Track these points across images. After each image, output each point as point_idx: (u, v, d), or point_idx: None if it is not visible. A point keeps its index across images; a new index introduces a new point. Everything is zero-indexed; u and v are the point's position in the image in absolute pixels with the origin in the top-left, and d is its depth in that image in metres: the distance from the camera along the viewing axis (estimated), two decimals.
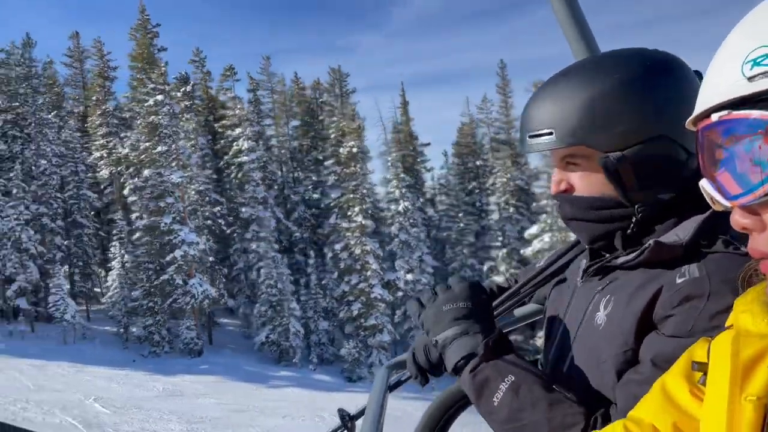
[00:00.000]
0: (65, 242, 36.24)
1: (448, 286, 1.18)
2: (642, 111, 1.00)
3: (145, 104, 31.59)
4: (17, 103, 36.72)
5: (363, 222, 30.35)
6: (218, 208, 35.66)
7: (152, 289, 31.12)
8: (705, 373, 0.70)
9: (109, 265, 34.93)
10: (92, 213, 38.86)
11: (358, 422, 1.44)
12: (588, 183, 1.06)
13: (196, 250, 30.84)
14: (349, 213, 30.95)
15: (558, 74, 1.09)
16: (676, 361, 0.79)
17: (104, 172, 41.83)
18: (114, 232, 36.30)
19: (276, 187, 40.00)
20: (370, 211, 31.82)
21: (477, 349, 1.06)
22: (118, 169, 41.70)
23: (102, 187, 41.67)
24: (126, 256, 34.35)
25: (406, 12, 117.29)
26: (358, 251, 30.15)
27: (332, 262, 32.25)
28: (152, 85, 31.64)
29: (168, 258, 30.27)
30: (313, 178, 39.83)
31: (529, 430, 0.97)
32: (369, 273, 29.86)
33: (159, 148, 30.91)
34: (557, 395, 0.99)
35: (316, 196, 38.04)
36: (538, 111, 1.06)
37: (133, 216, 35.59)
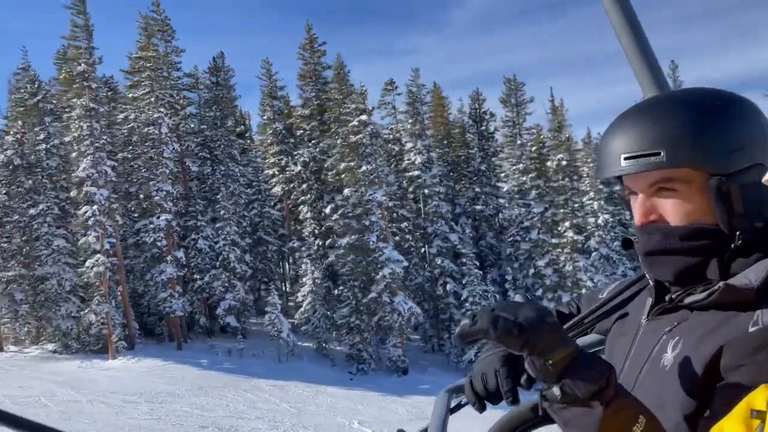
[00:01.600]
0: (251, 260, 37.43)
1: (522, 303, 0.96)
2: (751, 134, 0.99)
3: (349, 125, 31.93)
4: (205, 126, 38.22)
5: (573, 237, 29.64)
6: (405, 224, 35.77)
7: (360, 307, 31.49)
8: (763, 421, 0.69)
9: (302, 281, 35.68)
10: (274, 230, 39.96)
11: None
12: (683, 211, 1.00)
13: (401, 267, 30.97)
14: (558, 228, 30.32)
15: (655, 101, 1.07)
16: None
17: (276, 189, 43.03)
18: (303, 248, 37.09)
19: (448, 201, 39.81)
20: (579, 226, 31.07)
21: (605, 378, 0.86)
22: (290, 186, 42.90)
23: (272, 203, 42.81)
24: (316, 272, 35.09)
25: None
26: (569, 268, 29.46)
27: (534, 278, 31.70)
28: (353, 105, 32.01)
29: (378, 276, 30.51)
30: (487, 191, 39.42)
31: None
32: (583, 290, 29.11)
33: (364, 168, 31.22)
34: None
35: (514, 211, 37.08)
36: (642, 131, 1.00)
37: (317, 234, 36.31)
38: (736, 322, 0.93)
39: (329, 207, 33.91)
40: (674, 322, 1.04)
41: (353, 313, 31.65)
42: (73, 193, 30.73)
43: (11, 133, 31.19)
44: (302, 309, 34.77)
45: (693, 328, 0.99)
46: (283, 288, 42.03)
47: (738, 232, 0.99)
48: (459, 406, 1.46)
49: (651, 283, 1.13)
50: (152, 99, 32.18)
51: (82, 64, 28.96)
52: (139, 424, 19.66)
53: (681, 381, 0.96)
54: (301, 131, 42.22)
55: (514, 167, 38.68)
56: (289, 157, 42.49)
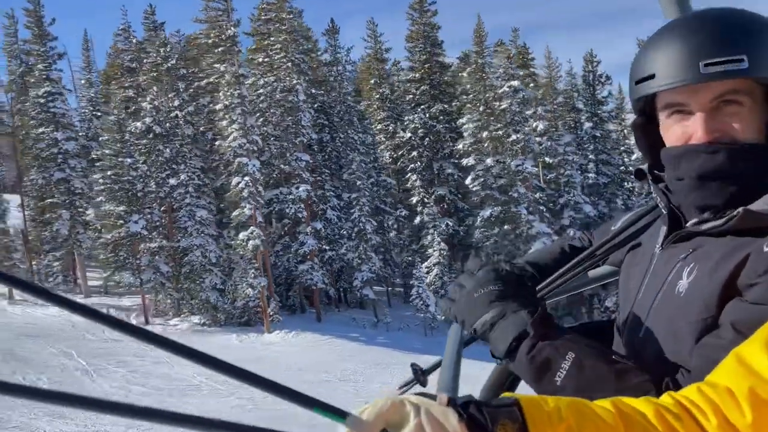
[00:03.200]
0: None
1: (472, 273, 1.12)
2: None
3: (499, 90, 30.63)
4: (321, 91, 36.93)
5: None
6: (539, 194, 34.83)
7: None
8: None
9: (428, 252, 35.02)
10: (391, 200, 39.10)
11: (430, 377, 1.46)
12: (752, 127, 0.96)
13: (550, 241, 30.20)
14: None
15: (718, 10, 0.99)
16: (757, 328, 0.78)
17: (385, 157, 41.93)
18: (425, 219, 36.29)
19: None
20: None
21: (526, 328, 0.99)
22: (398, 153, 41.78)
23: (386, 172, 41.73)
24: (442, 244, 34.41)
25: None
26: None
27: None
28: (501, 70, 30.69)
29: (531, 250, 29.76)
30: None
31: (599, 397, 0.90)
32: None
33: (513, 137, 30.12)
34: (622, 365, 0.96)
35: None
36: (723, 35, 0.94)
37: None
38: (752, 244, 0.92)
39: (469, 177, 32.85)
40: (689, 249, 1.02)
41: None
42: (214, 164, 29.80)
43: (147, 99, 30.06)
44: (428, 281, 34.23)
45: (709, 254, 0.97)
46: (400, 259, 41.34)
47: None
48: (473, 339, 1.37)
49: (664, 212, 1.09)
50: (288, 64, 30.85)
51: (231, 28, 27.58)
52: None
53: (696, 305, 0.95)
54: (411, 95, 40.90)
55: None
56: (397, 123, 41.32)
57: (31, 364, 21.07)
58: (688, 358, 0.94)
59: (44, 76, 32.88)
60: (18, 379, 20.35)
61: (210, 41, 29.81)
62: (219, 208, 31.82)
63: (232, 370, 0.61)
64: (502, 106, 30.49)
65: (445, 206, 39.17)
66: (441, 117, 39.81)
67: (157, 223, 29.90)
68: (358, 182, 32.61)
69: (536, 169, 30.03)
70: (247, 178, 27.70)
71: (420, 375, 1.47)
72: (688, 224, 1.05)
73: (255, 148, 28.10)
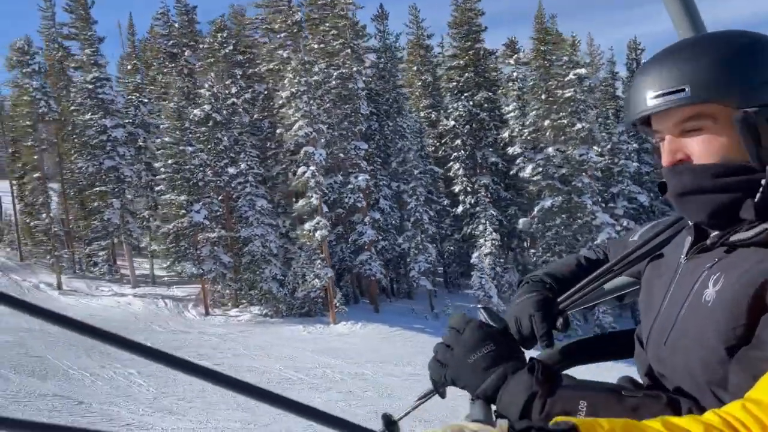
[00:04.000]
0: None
1: (458, 331, 1.12)
2: None
3: (565, 78, 30.23)
4: (370, 78, 36.30)
5: None
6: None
7: None
8: None
9: (478, 243, 34.77)
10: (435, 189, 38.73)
11: (450, 388, 1.39)
12: (710, 149, 1.00)
13: (614, 232, 30.06)
14: None
15: (684, 43, 1.06)
16: None
17: (428, 145, 41.44)
18: (477, 209, 35.99)
19: None
20: None
21: (533, 389, 1.00)
22: (441, 141, 41.34)
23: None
24: (494, 234, 34.18)
25: None
26: None
27: None
28: (565, 58, 30.28)
29: (596, 240, 29.59)
30: None
31: None
32: None
33: (578, 126, 29.80)
34: (633, 401, 0.96)
35: None
36: (666, 70, 1.01)
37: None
38: None
39: (529, 167, 32.52)
40: (715, 258, 1.03)
41: None
42: (273, 152, 29.25)
43: (206, 86, 29.37)
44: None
45: (736, 264, 0.97)
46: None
47: None
48: None
49: (690, 224, 1.12)
50: (348, 50, 30.23)
51: (297, 13, 26.90)
52: None
53: (724, 314, 0.94)
54: (454, 83, 40.39)
55: None
56: (440, 111, 40.84)
57: (118, 359, 20.61)
58: (718, 367, 0.94)
59: (92, 62, 32.04)
60: (110, 374, 19.95)
61: (275, 25, 29.07)
62: (272, 197, 31.32)
63: (254, 391, 0.58)
64: (567, 95, 30.10)
65: (489, 196, 38.89)
66: (485, 105, 39.39)
67: (218, 213, 29.36)
68: (416, 171, 32.19)
69: (601, 158, 29.76)
70: (313, 168, 27.22)
71: (440, 386, 1.43)
72: (712, 235, 1.06)
73: (321, 138, 27.57)
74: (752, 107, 0.97)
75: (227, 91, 29.94)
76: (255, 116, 30.79)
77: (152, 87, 35.62)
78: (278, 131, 29.31)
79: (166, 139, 28.61)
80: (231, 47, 30.00)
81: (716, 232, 1.05)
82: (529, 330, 1.24)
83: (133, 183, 32.98)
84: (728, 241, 1.01)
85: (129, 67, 34.86)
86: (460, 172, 39.31)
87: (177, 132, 28.33)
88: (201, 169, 28.70)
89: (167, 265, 30.20)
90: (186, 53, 37.39)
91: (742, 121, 0.97)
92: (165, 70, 37.59)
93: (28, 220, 35.81)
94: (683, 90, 0.99)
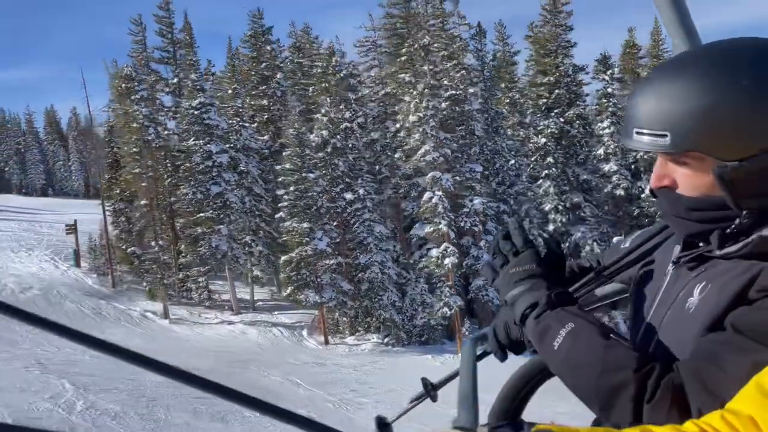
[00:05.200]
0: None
1: (516, 250, 1.22)
2: (765, 122, 0.95)
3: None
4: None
5: None
6: None
7: None
8: None
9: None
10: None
11: (440, 391, 1.52)
12: (694, 184, 1.03)
13: None
14: None
15: (674, 67, 1.02)
16: (759, 331, 0.86)
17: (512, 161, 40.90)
18: (581, 231, 35.35)
19: None
20: None
21: (540, 300, 1.12)
22: (530, 160, 40.76)
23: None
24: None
25: None
26: None
27: None
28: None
29: None
30: None
31: (584, 369, 1.01)
32: None
33: None
34: (613, 341, 1.02)
35: None
36: (653, 107, 1.00)
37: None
38: (765, 263, 0.94)
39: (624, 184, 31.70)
40: (702, 269, 1.05)
41: None
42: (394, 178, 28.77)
43: (322, 112, 28.99)
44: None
45: (721, 273, 1.00)
46: None
47: (745, 211, 0.98)
48: (485, 354, 1.43)
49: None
50: (463, 72, 29.72)
51: (426, 37, 26.45)
52: None
53: (704, 321, 0.97)
54: (544, 99, 39.82)
55: None
56: (529, 129, 40.26)
57: (273, 394, 20.05)
58: None
59: (198, 86, 31.77)
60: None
61: (391, 50, 28.64)
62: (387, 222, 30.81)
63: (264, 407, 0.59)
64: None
65: (580, 214, 38.25)
66: (576, 122, 38.80)
67: (337, 240, 28.89)
68: (529, 193, 31.61)
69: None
70: (440, 193, 26.69)
71: (431, 390, 1.50)
72: (701, 245, 1.07)
73: (445, 165, 27.07)
74: (733, 161, 0.96)
75: (340, 116, 29.54)
76: (366, 140, 30.35)
77: (252, 111, 35.34)
78: (396, 155, 28.81)
79: (287, 165, 28.19)
80: (345, 71, 29.58)
81: (703, 244, 1.07)
82: (517, 335, 1.28)
83: (236, 208, 32.60)
84: (716, 255, 1.03)
85: (229, 91, 34.54)
86: (551, 190, 38.75)
87: (297, 159, 27.92)
88: (321, 195, 28.26)
89: (287, 293, 29.71)
90: (278, 76, 37.14)
91: (719, 176, 0.97)
92: (253, 92, 37.38)
93: (124, 246, 35.52)
94: (665, 136, 0.99)
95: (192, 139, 32.12)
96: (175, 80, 35.53)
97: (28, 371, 19.81)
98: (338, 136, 29.11)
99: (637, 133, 1.02)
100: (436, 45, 30.51)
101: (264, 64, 36.88)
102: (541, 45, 39.51)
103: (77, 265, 40.00)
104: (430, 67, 26.64)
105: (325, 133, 28.43)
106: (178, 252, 33.70)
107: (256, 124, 36.63)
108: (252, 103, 37.05)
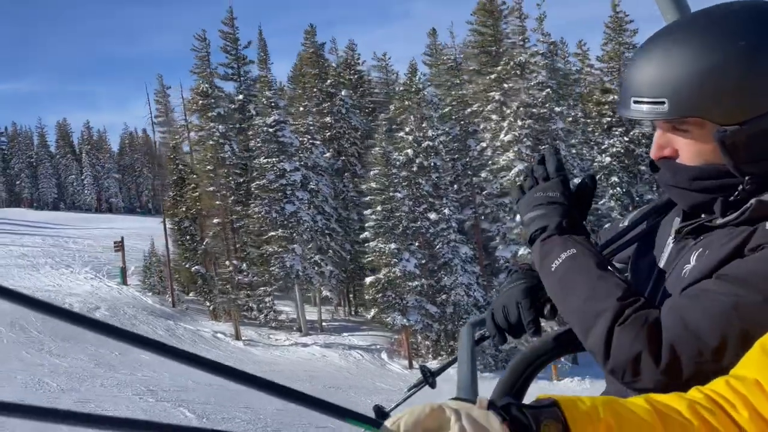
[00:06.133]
0: None
1: (548, 176, 1.20)
2: (764, 83, 0.95)
3: None
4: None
5: None
6: None
7: None
8: None
9: None
10: None
11: (438, 378, 1.53)
12: (695, 152, 1.02)
13: None
14: None
15: (670, 33, 1.02)
16: (743, 277, 0.87)
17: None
18: None
19: None
20: None
21: (551, 224, 1.12)
22: (597, 177, 40.22)
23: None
24: None
25: None
26: None
27: None
28: None
29: None
30: None
31: (574, 292, 1.03)
32: None
33: None
34: (608, 273, 1.04)
35: None
36: (650, 75, 0.99)
37: None
38: (759, 225, 0.95)
39: None
40: (700, 237, 1.05)
41: None
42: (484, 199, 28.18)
43: (406, 130, 28.50)
44: None
45: (717, 239, 1.00)
46: None
47: (747, 177, 0.98)
48: (483, 338, 1.44)
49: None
50: (548, 91, 29.18)
51: (522, 54, 25.94)
52: None
53: (695, 276, 0.98)
54: (608, 118, 39.41)
55: None
56: (594, 148, 39.84)
57: None
58: None
59: (272, 103, 31.27)
60: None
61: (477, 68, 28.21)
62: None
63: (254, 381, 0.60)
64: None
65: None
66: (642, 140, 38.39)
67: (423, 261, 28.25)
68: (613, 213, 31.06)
69: None
70: None
71: (429, 376, 1.50)
72: (701, 217, 1.06)
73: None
74: (733, 124, 0.95)
75: (422, 134, 29.03)
76: (447, 159, 29.84)
77: (318, 126, 34.82)
78: (483, 175, 28.26)
79: (373, 185, 27.61)
80: (429, 89, 29.11)
81: (705, 215, 1.06)
82: (516, 317, 1.26)
83: (308, 227, 31.98)
84: (715, 224, 1.03)
85: (301, 108, 34.06)
86: (616, 209, 38.24)
87: (384, 178, 27.36)
88: (407, 215, 27.67)
89: (372, 315, 29.00)
90: (342, 93, 36.71)
91: (720, 140, 0.96)
92: (314, 109, 36.89)
93: (188, 265, 34.82)
94: (663, 102, 0.98)
95: (263, 156, 31.57)
96: (240, 97, 35.03)
97: (142, 399, 19.05)
98: (422, 155, 28.57)
99: (635, 102, 1.01)
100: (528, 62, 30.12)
101: (329, 81, 36.42)
102: (605, 62, 39.25)
103: (124, 282, 39.27)
104: (524, 84, 26.16)
105: (410, 152, 27.90)
106: (240, 271, 33.00)
107: (318, 142, 36.13)
108: (317, 120, 36.58)
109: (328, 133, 36.62)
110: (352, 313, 37.55)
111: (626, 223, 1.37)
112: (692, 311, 0.91)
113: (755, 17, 0.96)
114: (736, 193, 1.00)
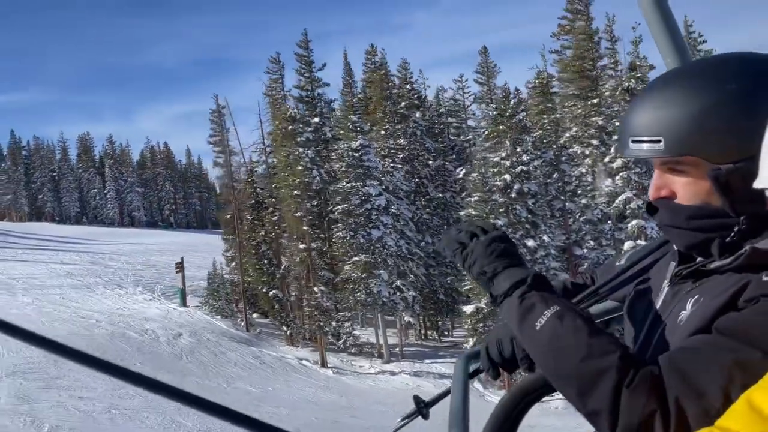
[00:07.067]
0: None
1: (484, 230, 1.19)
2: (759, 124, 0.95)
3: None
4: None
5: None
6: None
7: None
8: None
9: None
10: None
11: (432, 409, 1.52)
12: (692, 192, 1.04)
13: None
14: None
15: (666, 78, 1.06)
16: (743, 332, 0.86)
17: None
18: None
19: None
20: None
21: (527, 278, 1.09)
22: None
23: None
24: None
25: None
26: None
27: None
28: None
29: None
30: None
31: (567, 352, 0.99)
32: None
33: None
34: (598, 328, 1.02)
35: None
36: (646, 115, 1.02)
37: None
38: (753, 275, 0.95)
39: None
40: (696, 283, 1.05)
41: None
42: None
43: (503, 155, 28.10)
44: None
45: (713, 287, 1.00)
46: None
47: (742, 217, 0.99)
48: (477, 372, 1.43)
49: (675, 248, 1.14)
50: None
51: (631, 80, 25.54)
52: None
53: (692, 326, 0.98)
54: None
55: None
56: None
57: None
58: None
59: (358, 128, 30.97)
60: None
61: (574, 91, 27.87)
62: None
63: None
64: None
65: None
66: None
67: None
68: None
69: None
70: (641, 242, 25.59)
71: (422, 407, 1.47)
72: (697, 261, 1.07)
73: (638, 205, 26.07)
74: (728, 163, 0.97)
75: (515, 158, 28.61)
76: (540, 184, 29.41)
77: (393, 151, 34.52)
78: (583, 201, 27.83)
79: (471, 211, 27.21)
80: (522, 114, 28.76)
81: (700, 259, 1.07)
82: (510, 352, 1.26)
83: (392, 252, 31.56)
84: (709, 269, 1.02)
85: (383, 132, 33.77)
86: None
87: (484, 204, 26.94)
88: None
89: (471, 343, 28.45)
90: (417, 114, 36.42)
91: (714, 178, 0.98)
92: (383, 132, 36.59)
93: (265, 289, 34.43)
94: (659, 141, 0.99)
95: (345, 181, 31.23)
96: (316, 119, 34.77)
97: None
98: (517, 180, 28.14)
99: (633, 141, 1.03)
100: (608, 86, 29.76)
101: (404, 103, 36.15)
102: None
103: (183, 303, 38.84)
104: (624, 108, 25.67)
105: (507, 177, 27.48)
106: (327, 296, 32.56)
107: (400, 165, 35.81)
108: (396, 143, 36.27)
109: (401, 155, 36.32)
110: (423, 337, 37.05)
111: (623, 263, 1.36)
112: (693, 369, 0.89)
113: (747, 65, 0.99)
114: (732, 234, 1.00)
